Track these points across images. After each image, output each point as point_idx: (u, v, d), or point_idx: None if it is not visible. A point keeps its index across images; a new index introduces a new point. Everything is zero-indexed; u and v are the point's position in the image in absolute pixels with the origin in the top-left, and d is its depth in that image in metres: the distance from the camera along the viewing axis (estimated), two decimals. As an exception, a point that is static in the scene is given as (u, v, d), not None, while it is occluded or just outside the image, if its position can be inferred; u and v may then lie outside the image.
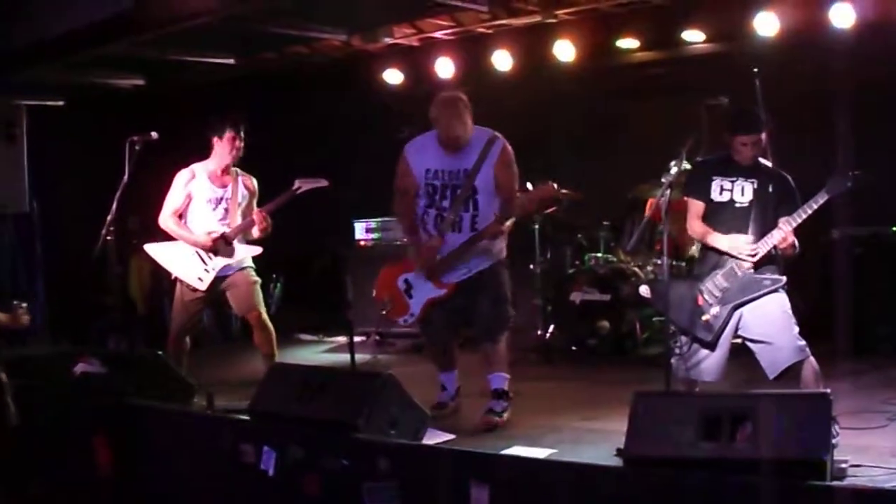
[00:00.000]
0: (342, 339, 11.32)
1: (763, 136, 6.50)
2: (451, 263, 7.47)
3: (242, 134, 8.35)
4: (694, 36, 10.77)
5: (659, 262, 8.39)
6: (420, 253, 7.55)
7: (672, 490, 4.60)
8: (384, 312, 7.78)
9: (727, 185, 6.55)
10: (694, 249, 8.97)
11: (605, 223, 10.63)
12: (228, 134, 8.30)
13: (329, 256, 11.96)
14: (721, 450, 4.65)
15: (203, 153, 8.46)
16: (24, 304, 6.49)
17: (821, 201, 6.17)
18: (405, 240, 11.40)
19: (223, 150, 8.33)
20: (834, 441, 4.80)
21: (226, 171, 8.42)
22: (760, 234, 6.37)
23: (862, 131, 8.85)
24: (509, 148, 7.50)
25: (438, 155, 7.55)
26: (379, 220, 11.92)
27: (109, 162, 8.43)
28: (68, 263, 12.03)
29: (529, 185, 7.59)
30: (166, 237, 8.46)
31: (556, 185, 7.40)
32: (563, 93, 11.33)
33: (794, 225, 6.24)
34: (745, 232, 6.43)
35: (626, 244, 10.32)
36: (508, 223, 7.49)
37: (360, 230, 12.01)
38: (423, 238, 7.58)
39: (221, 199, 8.41)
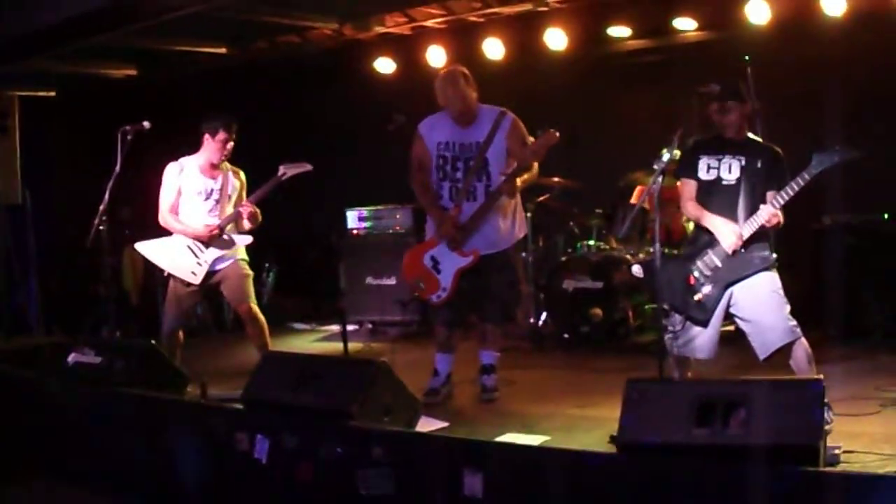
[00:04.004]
0: (335, 327, 11.32)
1: (729, 104, 6.47)
2: (470, 230, 7.59)
3: (234, 136, 8.36)
4: (686, 24, 10.77)
5: (651, 249, 8.40)
6: (441, 224, 7.64)
7: (665, 476, 4.61)
8: (417, 294, 7.90)
9: (713, 163, 6.54)
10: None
11: (597, 211, 10.63)
12: (221, 135, 8.31)
13: (321, 245, 11.96)
14: (714, 436, 4.65)
15: (195, 143, 8.46)
16: None
17: (808, 177, 6.14)
18: (399, 228, 11.60)
19: (213, 148, 8.34)
20: (827, 427, 4.81)
21: (215, 164, 8.41)
22: (750, 212, 6.34)
23: (852, 119, 8.86)
24: (520, 122, 7.66)
25: (450, 129, 7.72)
26: (371, 208, 11.93)
27: (102, 152, 8.44)
28: (61, 254, 12.04)
29: (530, 139, 7.64)
30: (159, 229, 8.45)
31: (557, 133, 7.47)
32: (555, 81, 11.33)
33: (783, 202, 6.20)
34: (735, 210, 6.40)
35: (618, 231, 10.34)
36: (521, 180, 7.59)
37: (353, 219, 12.02)
38: (441, 210, 7.69)
39: (212, 191, 8.41)
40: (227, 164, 8.51)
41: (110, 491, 6.83)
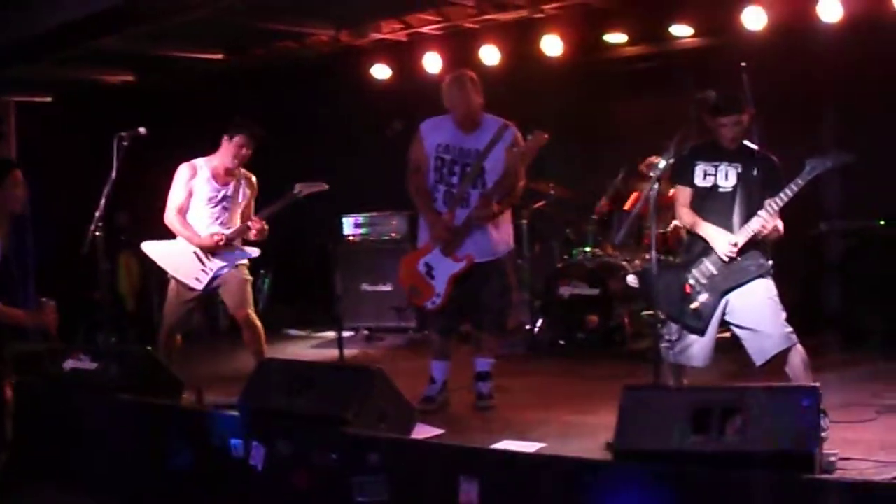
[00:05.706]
0: (331, 334, 11.32)
1: (744, 117, 6.49)
2: (463, 235, 7.58)
3: (253, 144, 8.31)
4: (682, 30, 10.79)
5: (647, 255, 8.40)
6: (434, 227, 7.64)
7: (661, 483, 4.60)
8: (413, 300, 7.93)
9: (710, 169, 6.54)
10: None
11: (593, 217, 10.63)
12: (238, 139, 8.23)
13: (317, 252, 11.95)
14: (710, 443, 4.65)
15: (193, 149, 8.44)
16: (53, 302, 6.49)
17: (801, 183, 6.15)
18: (395, 234, 11.60)
19: (228, 152, 8.26)
20: (823, 434, 4.80)
21: (229, 169, 8.37)
22: (746, 219, 6.34)
23: (849, 125, 8.87)
24: (520, 137, 7.61)
25: (452, 132, 7.70)
26: (367, 215, 11.94)
27: (98, 158, 8.41)
28: (57, 260, 11.99)
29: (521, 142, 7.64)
30: (155, 234, 8.42)
31: (546, 135, 7.45)
32: (551, 88, 11.33)
33: (777, 207, 6.21)
34: (731, 217, 6.41)
35: (614, 238, 10.34)
36: (497, 207, 7.57)
37: (349, 225, 12.03)
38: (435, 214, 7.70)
39: (222, 198, 8.35)
40: (240, 171, 8.46)
41: (105, 496, 6.81)
